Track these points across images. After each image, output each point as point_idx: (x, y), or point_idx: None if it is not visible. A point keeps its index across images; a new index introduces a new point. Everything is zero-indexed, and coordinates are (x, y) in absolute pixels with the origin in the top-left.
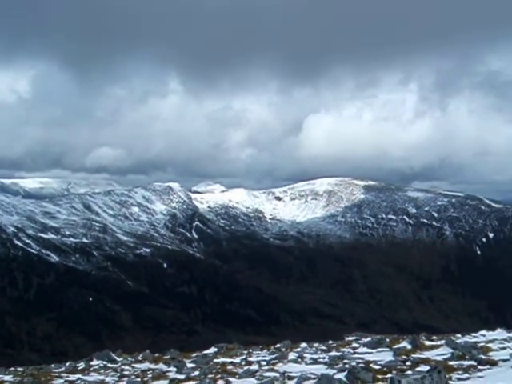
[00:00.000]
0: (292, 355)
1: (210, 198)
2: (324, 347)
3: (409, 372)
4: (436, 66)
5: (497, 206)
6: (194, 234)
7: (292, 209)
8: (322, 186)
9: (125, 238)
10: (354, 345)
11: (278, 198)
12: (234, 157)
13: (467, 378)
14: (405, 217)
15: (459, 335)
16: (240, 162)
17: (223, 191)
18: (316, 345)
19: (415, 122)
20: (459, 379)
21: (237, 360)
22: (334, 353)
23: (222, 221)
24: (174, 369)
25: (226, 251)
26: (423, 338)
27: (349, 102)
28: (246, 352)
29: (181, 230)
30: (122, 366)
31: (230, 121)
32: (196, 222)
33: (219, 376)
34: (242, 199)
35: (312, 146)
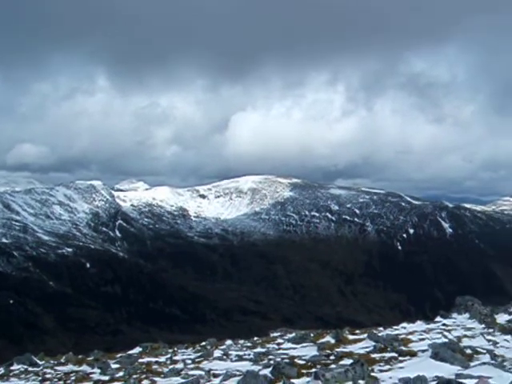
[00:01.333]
0: (217, 353)
1: (134, 196)
2: (249, 344)
3: (333, 366)
4: (362, 67)
5: (416, 202)
6: (118, 232)
7: (216, 206)
8: (247, 183)
9: (46, 238)
10: (279, 341)
11: (203, 196)
12: (159, 154)
13: (389, 370)
14: (328, 214)
15: (381, 328)
16: (165, 159)
17: (147, 189)
18: (241, 342)
19: (341, 121)
20: (381, 371)
21: (162, 359)
22: (259, 349)
23: (146, 219)
24: (98, 370)
25: (149, 250)
26: (346, 332)
27: (276, 101)
28: (171, 351)
29: (104, 228)
30: (44, 370)
31: (157, 118)
32: (119, 221)
33: (144, 376)
34: (166, 197)
35: (238, 143)
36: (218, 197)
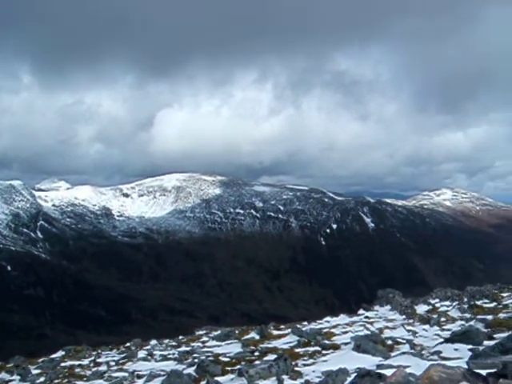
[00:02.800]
0: (141, 353)
1: (55, 195)
2: (174, 343)
3: (257, 362)
4: (289, 65)
5: (339, 198)
6: (39, 233)
7: (140, 205)
8: (171, 181)
9: None
10: (204, 339)
11: (126, 195)
12: (83, 153)
13: (312, 363)
14: (252, 211)
15: (305, 323)
16: (89, 158)
17: (68, 188)
18: (166, 341)
19: (268, 119)
20: (305, 365)
21: (85, 362)
22: (183, 348)
23: (68, 219)
24: (18, 377)
25: (73, 251)
26: (271, 327)
27: (204, 98)
28: (94, 353)
29: (25, 230)
30: None
31: (82, 115)
32: (41, 222)
33: (66, 380)
34: (88, 196)
35: (164, 141)
36: (142, 195)
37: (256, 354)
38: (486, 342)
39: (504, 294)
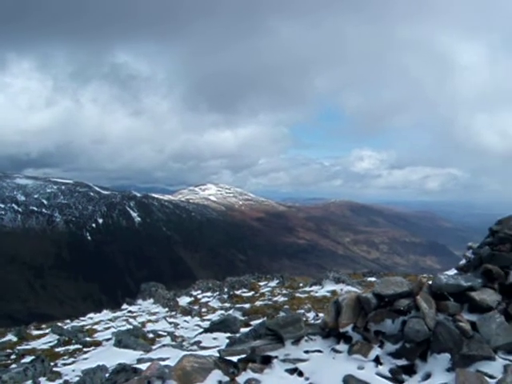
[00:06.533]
0: None
1: None
2: None
3: (13, 366)
4: (69, 55)
5: (105, 192)
6: None
7: None
8: None
9: None
10: None
11: None
12: None
13: (72, 362)
14: (14, 205)
15: (68, 321)
16: None
17: None
18: None
19: (41, 110)
20: (65, 364)
21: None
22: None
23: None
24: None
25: None
26: (32, 327)
27: None
28: None
29: None
30: None
31: None
32: None
33: None
34: None
35: None
36: None
37: (12, 357)
38: (242, 330)
39: (261, 283)
